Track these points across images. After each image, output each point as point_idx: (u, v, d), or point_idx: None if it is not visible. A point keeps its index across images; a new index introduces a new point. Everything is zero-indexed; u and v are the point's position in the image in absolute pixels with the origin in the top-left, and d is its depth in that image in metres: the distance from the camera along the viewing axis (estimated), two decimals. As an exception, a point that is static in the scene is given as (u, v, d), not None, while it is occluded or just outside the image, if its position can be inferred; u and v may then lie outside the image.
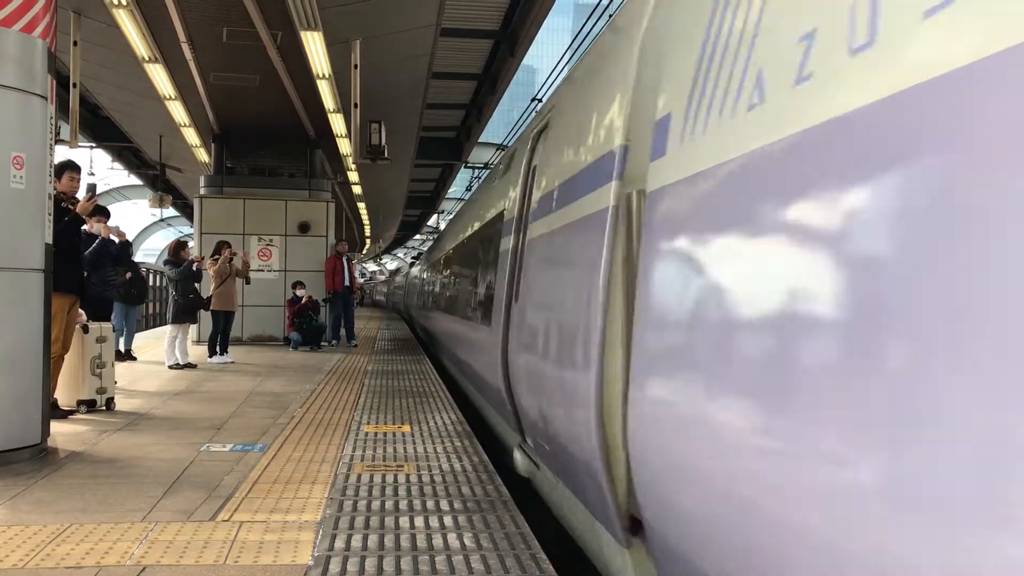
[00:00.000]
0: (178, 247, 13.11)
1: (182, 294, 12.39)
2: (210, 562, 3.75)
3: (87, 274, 8.30)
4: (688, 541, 2.62)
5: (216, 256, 13.68)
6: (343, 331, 17.25)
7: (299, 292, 16.02)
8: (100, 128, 20.83)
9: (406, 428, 7.27)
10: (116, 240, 9.39)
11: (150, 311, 26.39)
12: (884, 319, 1.71)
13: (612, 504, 3.37)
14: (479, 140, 24.29)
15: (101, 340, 8.03)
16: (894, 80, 1.73)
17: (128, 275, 12.42)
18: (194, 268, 12.63)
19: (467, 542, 4.02)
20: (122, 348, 12.57)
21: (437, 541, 4.02)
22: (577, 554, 4.66)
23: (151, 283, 26.57)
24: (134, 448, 6.33)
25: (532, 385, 4.93)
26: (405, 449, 6.34)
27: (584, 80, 4.89)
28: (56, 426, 6.68)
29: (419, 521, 4.36)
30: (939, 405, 1.59)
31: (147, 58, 12.00)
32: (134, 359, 12.61)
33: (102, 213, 8.89)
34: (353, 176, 20.58)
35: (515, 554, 3.84)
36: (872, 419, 1.71)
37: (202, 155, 18.52)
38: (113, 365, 8.31)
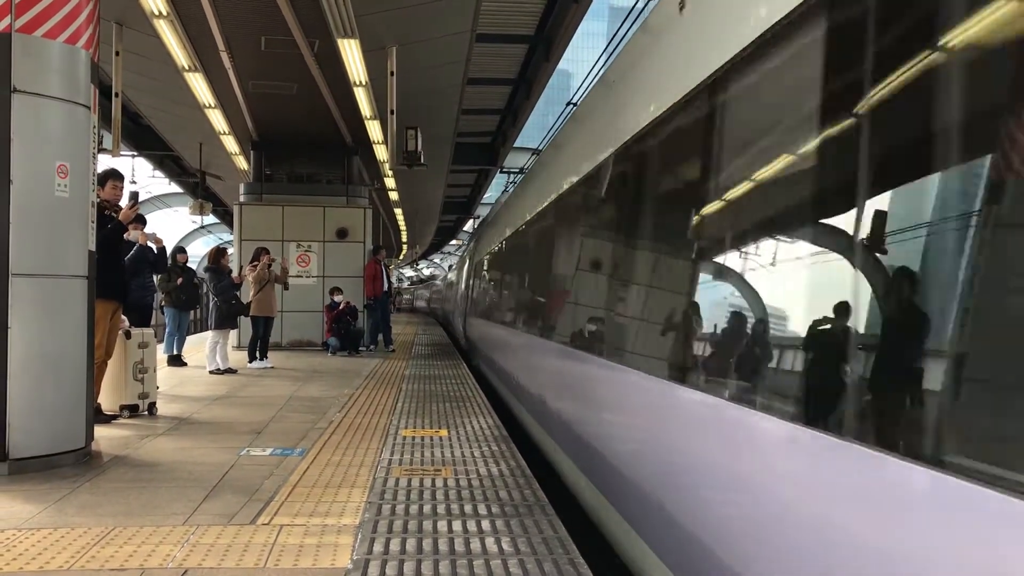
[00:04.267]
0: (218, 254, 13.29)
1: (223, 300, 12.56)
2: (250, 565, 3.78)
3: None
4: (475, 351, 16.44)
5: (255, 263, 13.83)
6: (380, 336, 17.34)
7: (337, 298, 16.12)
8: (142, 137, 21.14)
9: (443, 432, 7.29)
10: (154, 247, 9.52)
11: (192, 316, 26.72)
12: None
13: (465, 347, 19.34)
14: (515, 145, 24.29)
15: (143, 346, 8.14)
16: None
17: (179, 280, 12.60)
18: (236, 282, 12.97)
19: (505, 546, 4.01)
20: (175, 352, 12.79)
21: (475, 545, 4.02)
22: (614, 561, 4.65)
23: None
24: (176, 452, 6.41)
25: (470, 330, 17.89)
26: (443, 453, 6.35)
27: (486, 223, 19.14)
28: (100, 430, 6.78)
29: (457, 525, 4.36)
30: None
31: (187, 67, 12.17)
32: (184, 364, 12.78)
33: (139, 220, 9.03)
34: (390, 182, 20.70)
35: (553, 559, 3.83)
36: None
37: (241, 163, 18.74)
38: (155, 370, 8.42)
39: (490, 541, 4.09)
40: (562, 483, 6.49)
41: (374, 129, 14.73)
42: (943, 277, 1.97)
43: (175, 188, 32.13)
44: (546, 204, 8.51)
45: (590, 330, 6.04)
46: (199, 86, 13.19)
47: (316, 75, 12.83)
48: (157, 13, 10.10)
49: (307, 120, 16.02)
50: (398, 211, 29.49)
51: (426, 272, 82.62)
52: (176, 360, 12.75)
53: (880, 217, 2.22)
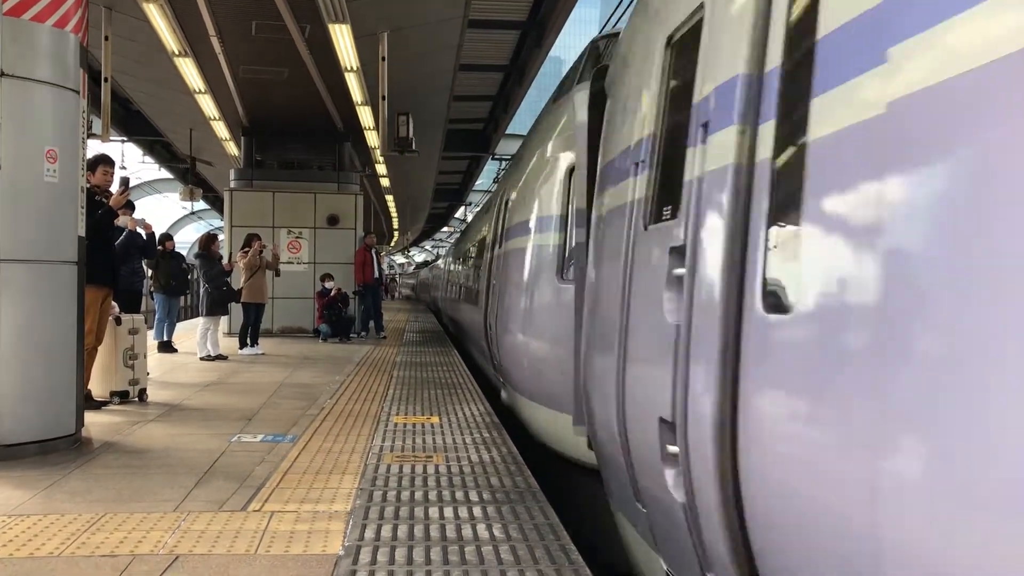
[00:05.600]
0: (208, 240, 13.24)
1: (214, 287, 12.53)
2: (241, 551, 3.78)
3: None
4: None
5: (246, 249, 13.79)
6: (372, 323, 17.32)
7: (328, 284, 16.08)
8: (131, 122, 21.02)
9: (435, 419, 7.29)
10: (143, 233, 9.49)
11: (183, 303, 26.74)
12: None
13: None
14: (506, 132, 24.23)
15: (134, 332, 8.12)
16: None
17: (156, 264, 12.54)
18: (227, 270, 12.96)
19: (496, 532, 4.02)
20: (165, 338, 12.76)
21: (467, 531, 4.03)
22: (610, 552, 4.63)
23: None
24: (167, 439, 6.40)
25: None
26: (434, 440, 6.36)
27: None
28: (90, 417, 6.76)
29: (448, 511, 4.37)
30: None
31: (177, 52, 12.08)
32: (175, 350, 12.75)
33: (128, 206, 9.00)
34: (381, 168, 20.63)
35: (544, 545, 3.84)
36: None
37: (232, 148, 18.64)
38: (146, 356, 8.39)
39: (482, 527, 4.10)
40: (554, 470, 6.47)
41: (365, 115, 14.67)
42: None
43: (165, 174, 32.02)
44: None
45: None
46: (189, 71, 13.10)
47: (307, 60, 12.75)
48: (147, -3, 10.02)
49: (298, 106, 15.93)
50: (389, 198, 29.42)
51: (419, 258, 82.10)
52: (166, 346, 12.72)
53: None
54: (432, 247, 72.59)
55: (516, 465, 5.56)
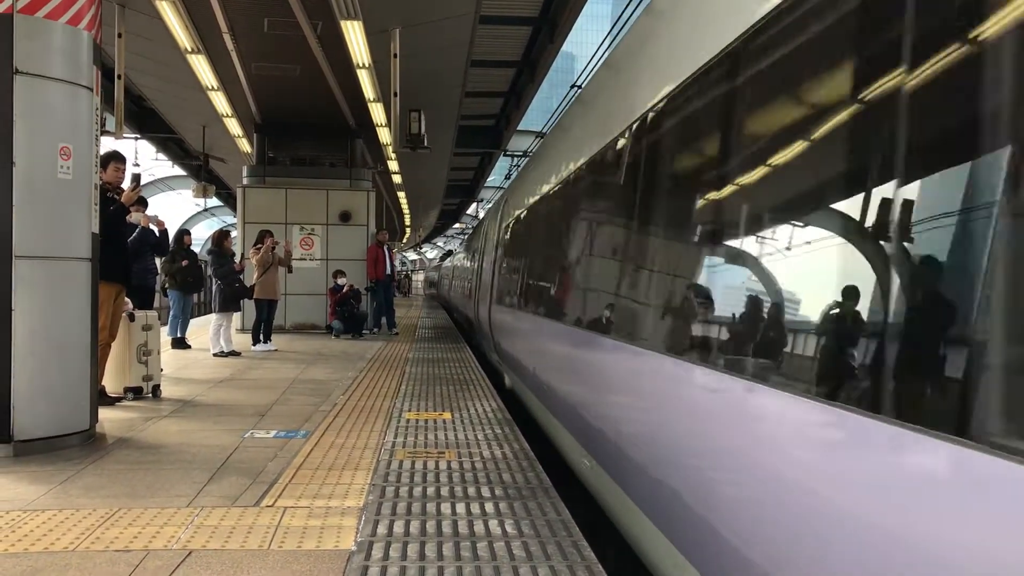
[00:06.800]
0: (221, 237, 13.27)
1: (226, 283, 12.57)
2: (255, 547, 3.79)
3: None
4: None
5: (259, 245, 13.83)
6: (384, 319, 17.35)
7: (340, 281, 16.13)
8: (144, 119, 21.09)
9: (447, 415, 7.30)
10: (155, 229, 9.53)
11: (196, 299, 26.77)
12: None
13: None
14: (518, 128, 24.21)
15: (147, 328, 8.15)
16: None
17: (184, 262, 12.60)
18: (239, 270, 13.02)
19: (508, 528, 4.02)
20: (178, 335, 12.81)
21: (479, 527, 4.03)
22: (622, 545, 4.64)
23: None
24: (180, 434, 6.42)
25: None
26: (446, 436, 6.36)
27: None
28: (104, 413, 6.79)
29: (460, 507, 4.37)
30: None
31: (190, 49, 12.12)
32: (188, 346, 12.80)
33: (140, 203, 9.03)
34: (393, 165, 20.66)
35: (556, 541, 3.84)
36: None
37: (244, 145, 18.68)
38: (159, 353, 8.43)
39: (494, 523, 4.10)
40: (565, 466, 6.47)
41: (377, 112, 14.68)
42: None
43: (178, 171, 32.09)
44: None
45: None
46: (202, 68, 13.13)
47: (319, 57, 12.77)
48: (159, -6, 10.05)
49: (310, 102, 15.96)
50: (401, 194, 29.44)
51: (431, 254, 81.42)
52: (180, 343, 12.78)
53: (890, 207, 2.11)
54: (444, 243, 72.56)
55: (528, 461, 5.55)
